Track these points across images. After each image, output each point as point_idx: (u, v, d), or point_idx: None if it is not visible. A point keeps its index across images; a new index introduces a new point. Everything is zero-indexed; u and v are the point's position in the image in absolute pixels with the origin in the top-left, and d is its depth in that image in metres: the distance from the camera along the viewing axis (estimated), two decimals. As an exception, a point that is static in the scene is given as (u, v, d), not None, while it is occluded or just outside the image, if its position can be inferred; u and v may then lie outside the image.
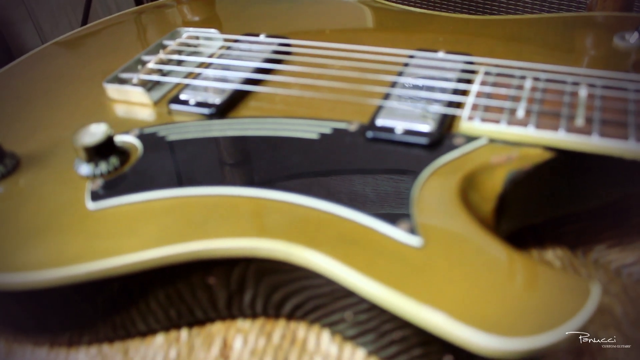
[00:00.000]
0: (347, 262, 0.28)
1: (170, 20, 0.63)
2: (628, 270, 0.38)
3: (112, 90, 0.47)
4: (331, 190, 0.33)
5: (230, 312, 0.36)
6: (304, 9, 0.60)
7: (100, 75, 0.50)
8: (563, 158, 0.35)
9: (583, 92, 0.37)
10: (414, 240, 0.29)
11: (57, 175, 0.39)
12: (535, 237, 0.42)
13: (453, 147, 0.35)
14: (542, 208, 0.38)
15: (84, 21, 1.19)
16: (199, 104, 0.43)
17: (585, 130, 0.34)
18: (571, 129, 0.34)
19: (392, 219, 0.30)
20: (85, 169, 0.38)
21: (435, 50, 0.45)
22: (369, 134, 0.37)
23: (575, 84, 0.38)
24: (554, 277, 0.27)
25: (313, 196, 0.33)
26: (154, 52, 0.52)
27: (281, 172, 0.35)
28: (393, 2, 0.59)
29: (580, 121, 0.34)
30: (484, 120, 0.36)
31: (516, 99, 0.37)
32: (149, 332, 0.37)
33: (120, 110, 0.46)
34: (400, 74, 0.42)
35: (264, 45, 0.49)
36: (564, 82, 0.38)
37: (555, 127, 0.34)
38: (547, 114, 0.36)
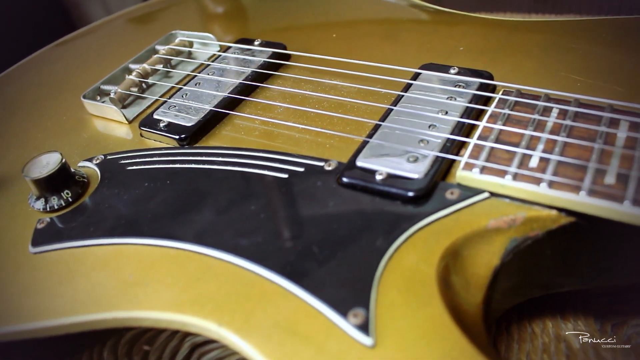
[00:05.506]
0: (277, 364, 0.23)
1: (188, 15, 0.58)
2: (669, 359, 0.31)
3: (89, 105, 0.43)
4: (282, 257, 0.27)
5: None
6: (315, 5, 0.53)
7: (89, 84, 0.46)
8: (585, 224, 0.27)
9: (622, 134, 0.29)
10: (364, 339, 0.23)
11: (11, 208, 0.36)
12: (555, 300, 0.35)
13: (444, 203, 0.29)
14: (552, 284, 0.30)
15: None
16: (170, 127, 0.38)
17: (616, 194, 0.26)
18: (597, 191, 0.26)
19: (343, 307, 0.24)
20: (36, 203, 0.35)
21: (447, 68, 0.37)
22: (344, 178, 0.31)
23: (615, 121, 0.30)
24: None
25: (260, 264, 0.27)
26: (144, 58, 0.47)
27: (233, 224, 0.30)
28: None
29: (610, 179, 0.27)
30: (484, 170, 0.29)
31: (532, 140, 0.30)
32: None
33: (95, 128, 0.42)
34: (398, 100, 0.35)
35: (255, 56, 0.44)
36: (599, 118, 0.30)
37: (576, 187, 0.27)
38: (569, 165, 0.28)
